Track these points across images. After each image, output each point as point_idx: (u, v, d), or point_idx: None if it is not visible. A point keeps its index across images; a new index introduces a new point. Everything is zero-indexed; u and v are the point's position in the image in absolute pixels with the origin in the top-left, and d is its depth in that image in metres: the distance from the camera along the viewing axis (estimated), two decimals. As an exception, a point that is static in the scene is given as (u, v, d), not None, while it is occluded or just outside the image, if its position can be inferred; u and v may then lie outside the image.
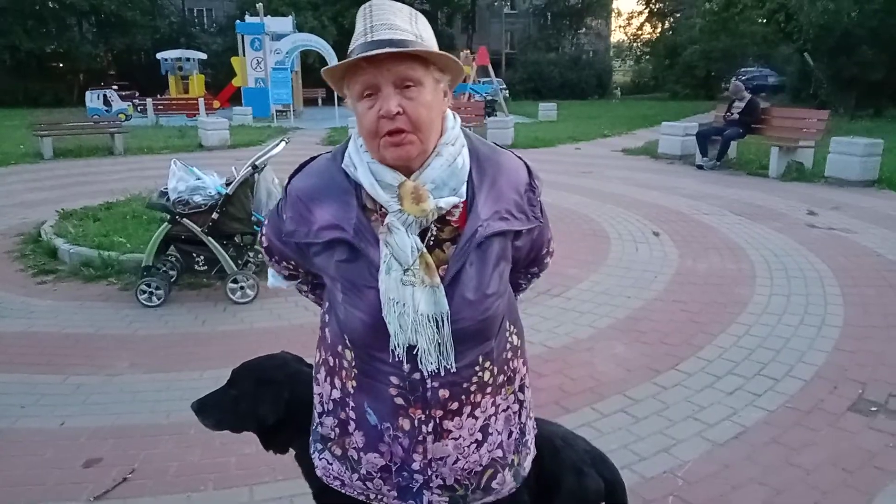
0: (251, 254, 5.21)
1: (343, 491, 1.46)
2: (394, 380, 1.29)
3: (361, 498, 1.45)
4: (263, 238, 1.52)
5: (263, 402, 1.66)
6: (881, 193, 8.85)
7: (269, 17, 24.19)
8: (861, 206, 8.01)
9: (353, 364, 1.33)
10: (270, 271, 1.64)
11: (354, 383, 1.35)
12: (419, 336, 1.23)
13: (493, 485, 1.41)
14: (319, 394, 1.46)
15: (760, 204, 8.18)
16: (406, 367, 1.27)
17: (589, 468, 1.63)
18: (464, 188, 1.28)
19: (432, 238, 1.26)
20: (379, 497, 1.42)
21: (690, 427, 3.15)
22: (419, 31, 1.22)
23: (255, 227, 4.80)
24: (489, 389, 1.35)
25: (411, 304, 1.22)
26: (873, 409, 3.28)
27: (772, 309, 4.63)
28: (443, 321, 1.23)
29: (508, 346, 1.39)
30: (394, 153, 1.21)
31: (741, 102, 11.11)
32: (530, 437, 1.51)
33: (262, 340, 4.12)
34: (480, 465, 1.38)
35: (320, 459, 1.48)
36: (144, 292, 4.65)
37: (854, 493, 2.63)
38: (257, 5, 23.18)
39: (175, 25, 38.37)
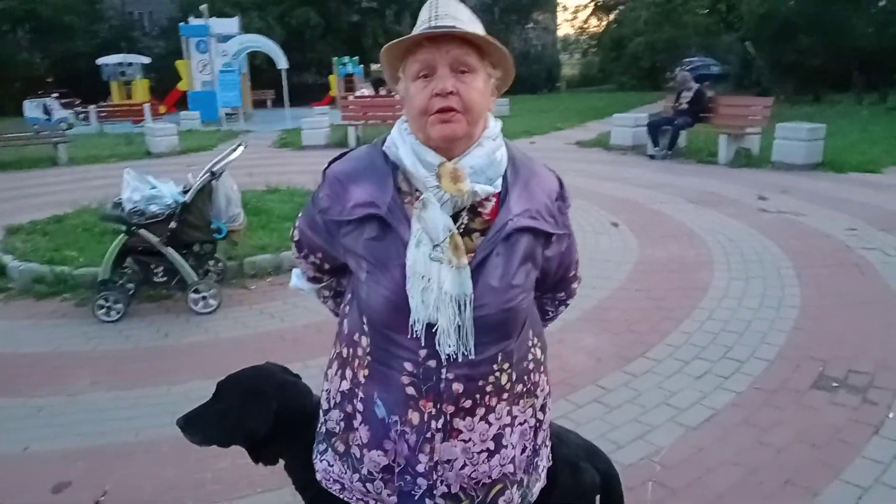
0: (211, 262, 5.10)
1: (342, 496, 1.44)
2: (408, 366, 1.28)
3: None
4: (295, 231, 1.53)
5: (252, 414, 1.63)
6: (826, 176, 9.17)
7: (213, 18, 23.67)
8: (808, 188, 8.28)
9: (368, 351, 1.33)
10: (295, 271, 1.64)
11: (366, 372, 1.34)
12: (440, 315, 1.23)
13: (501, 502, 1.38)
14: (327, 390, 1.45)
15: (713, 191, 8.38)
16: (422, 352, 1.27)
17: (584, 462, 1.64)
18: (499, 181, 1.32)
19: (462, 226, 1.28)
20: (378, 502, 1.39)
21: (663, 413, 3.22)
22: (478, 30, 1.27)
23: (214, 234, 4.70)
24: (506, 395, 1.34)
25: (436, 280, 1.23)
26: (834, 384, 3.40)
27: (732, 293, 4.76)
28: (465, 303, 1.24)
29: (531, 356, 1.40)
30: (441, 129, 1.25)
31: (689, 92, 11.36)
32: (542, 464, 1.50)
33: (228, 351, 4.05)
34: (489, 477, 1.35)
35: (321, 461, 1.47)
36: (102, 307, 4.51)
37: (824, 467, 2.72)
38: (201, 7, 22.69)
39: (115, 30, 37.17)
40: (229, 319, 4.57)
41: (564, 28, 52.51)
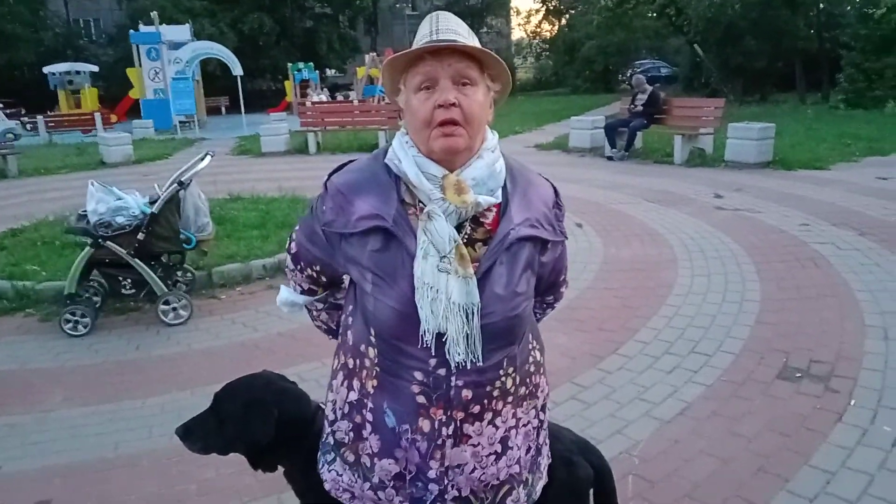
0: (180, 273, 5.04)
1: None
2: (417, 375, 1.30)
3: None
4: (293, 244, 1.52)
5: (253, 423, 1.64)
6: (776, 173, 9.51)
7: (164, 25, 23.28)
8: (760, 186, 8.57)
9: (376, 362, 1.34)
10: (284, 287, 1.62)
11: (375, 382, 1.35)
12: (449, 324, 1.25)
13: (509, 502, 1.42)
14: (333, 401, 1.46)
15: (671, 190, 8.60)
16: (432, 361, 1.29)
17: (578, 457, 1.70)
18: (500, 192, 1.35)
19: (466, 236, 1.31)
20: None
21: (638, 408, 3.31)
22: (476, 45, 1.30)
23: (184, 245, 4.65)
24: (511, 399, 1.37)
25: (444, 290, 1.25)
26: (798, 375, 3.55)
27: (695, 289, 4.91)
28: (473, 312, 1.26)
29: (531, 359, 1.43)
30: (443, 143, 1.27)
31: (644, 95, 11.63)
32: (544, 462, 1.54)
33: (202, 362, 4.02)
34: (498, 478, 1.39)
35: (329, 471, 1.47)
36: (69, 321, 4.41)
37: (793, 455, 2.84)
38: (152, 14, 22.28)
39: (60, 37, 36.20)
40: (201, 330, 4.52)
41: (518, 32, 52.94)
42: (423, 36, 1.30)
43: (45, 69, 26.19)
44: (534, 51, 48.39)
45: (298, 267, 1.53)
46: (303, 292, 1.59)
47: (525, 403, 1.42)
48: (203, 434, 1.68)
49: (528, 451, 1.46)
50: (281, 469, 1.78)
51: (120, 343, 4.37)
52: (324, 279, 1.53)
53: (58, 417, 3.42)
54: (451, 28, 1.29)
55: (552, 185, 1.48)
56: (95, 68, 27.79)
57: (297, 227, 1.53)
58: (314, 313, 1.67)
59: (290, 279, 1.60)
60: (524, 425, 1.43)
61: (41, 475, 2.91)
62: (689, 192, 8.41)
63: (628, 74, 30.12)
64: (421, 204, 1.31)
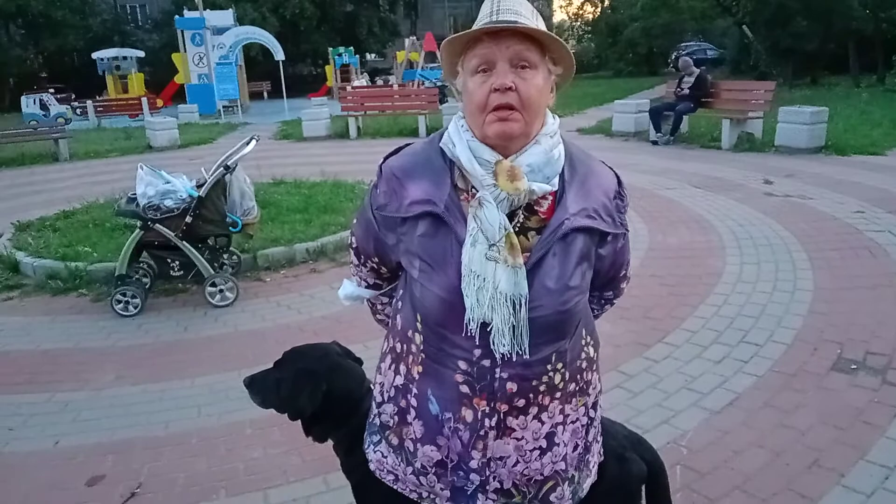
0: (226, 255, 5.12)
1: (396, 487, 1.45)
2: (462, 365, 1.28)
3: (413, 496, 1.44)
4: (353, 239, 1.51)
5: (302, 391, 1.65)
6: (829, 159, 9.20)
7: (208, 10, 23.59)
8: (812, 172, 8.30)
9: (422, 348, 1.33)
10: (346, 281, 1.61)
11: (420, 368, 1.34)
12: (495, 314, 1.22)
13: (552, 498, 1.39)
14: (381, 383, 1.46)
15: (718, 176, 8.40)
16: (476, 351, 1.27)
17: (630, 453, 1.66)
18: (556, 180, 1.30)
19: (518, 224, 1.27)
20: (431, 496, 1.41)
21: (686, 397, 3.25)
22: (539, 26, 1.25)
23: (230, 228, 4.71)
24: (558, 395, 1.34)
25: (492, 279, 1.22)
26: (853, 367, 3.43)
27: (745, 277, 4.78)
28: (520, 303, 1.23)
29: (584, 355, 1.39)
30: (498, 128, 1.23)
31: (690, 77, 11.35)
32: (593, 459, 1.50)
33: (249, 343, 4.08)
34: (542, 474, 1.36)
35: (375, 452, 1.48)
36: (120, 302, 4.53)
37: (848, 449, 2.75)
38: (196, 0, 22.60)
39: (108, 23, 37.04)
40: (247, 312, 4.59)
41: (559, 14, 52.30)
42: (484, 16, 1.25)
43: (94, 55, 26.82)
44: (575, 33, 47.69)
45: (361, 261, 1.52)
46: (368, 287, 1.58)
47: (574, 400, 1.38)
48: (261, 389, 1.72)
49: (575, 448, 1.41)
50: (331, 442, 1.79)
51: (169, 324, 4.46)
52: (385, 270, 1.50)
53: (110, 395, 3.51)
54: (512, 8, 1.23)
55: (616, 174, 1.41)
56: (142, 54, 28.40)
57: (355, 221, 1.51)
58: (378, 307, 1.64)
59: (355, 275, 1.58)
60: (572, 422, 1.39)
61: (95, 451, 2.99)
62: (737, 178, 8.19)
63: (673, 57, 29.46)
64: (473, 190, 1.27)
